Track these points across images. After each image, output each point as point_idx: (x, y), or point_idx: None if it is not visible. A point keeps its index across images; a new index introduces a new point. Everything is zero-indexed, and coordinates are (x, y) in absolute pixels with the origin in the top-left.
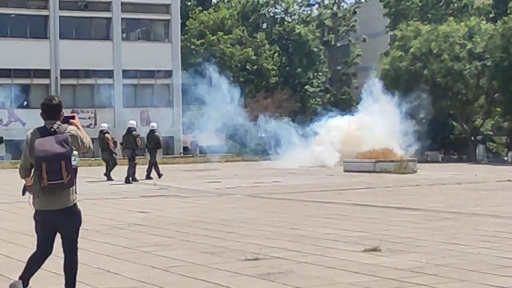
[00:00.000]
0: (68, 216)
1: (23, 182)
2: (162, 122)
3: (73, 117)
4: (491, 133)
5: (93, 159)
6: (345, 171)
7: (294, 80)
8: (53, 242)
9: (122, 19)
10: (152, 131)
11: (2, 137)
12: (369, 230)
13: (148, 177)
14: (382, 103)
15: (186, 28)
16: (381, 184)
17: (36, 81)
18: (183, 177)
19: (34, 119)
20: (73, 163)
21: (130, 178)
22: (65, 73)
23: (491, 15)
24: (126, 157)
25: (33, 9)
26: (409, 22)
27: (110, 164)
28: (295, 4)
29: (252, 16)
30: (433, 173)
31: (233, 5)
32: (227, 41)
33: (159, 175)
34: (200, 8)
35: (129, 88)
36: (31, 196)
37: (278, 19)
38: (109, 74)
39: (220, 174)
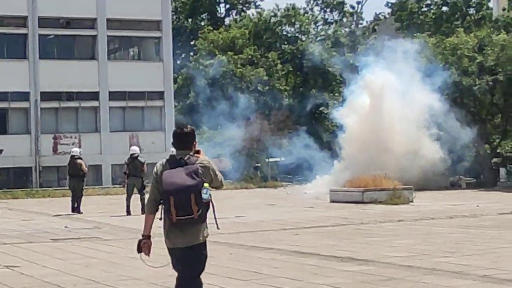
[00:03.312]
0: (191, 254)
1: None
2: (153, 147)
3: (198, 152)
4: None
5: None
6: (331, 201)
7: (309, 101)
8: None
9: (108, 36)
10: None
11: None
12: None
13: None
14: None
15: (195, 48)
16: (359, 219)
17: (14, 104)
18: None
19: (12, 145)
20: (204, 196)
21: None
22: (46, 96)
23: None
24: (122, 186)
25: (10, 27)
26: (415, 35)
27: (78, 193)
28: (312, 23)
29: (265, 35)
30: (430, 203)
31: (245, 23)
32: (238, 61)
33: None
34: (210, 27)
35: (116, 111)
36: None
37: (292, 38)
38: (94, 96)
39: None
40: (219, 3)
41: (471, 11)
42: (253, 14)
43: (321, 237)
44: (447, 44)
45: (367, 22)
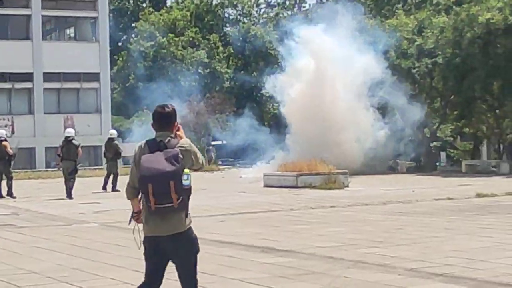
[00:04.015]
0: (179, 243)
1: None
2: (89, 129)
3: (177, 129)
4: (451, 138)
5: None
6: (265, 185)
7: (250, 84)
8: (162, 273)
9: (43, 16)
10: (110, 139)
11: None
12: None
13: (115, 188)
14: None
15: (136, 29)
16: (290, 205)
17: None
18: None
19: None
20: (185, 183)
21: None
22: None
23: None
24: (60, 169)
25: None
26: (354, 17)
27: (8, 178)
28: (254, 5)
29: (206, 17)
30: (365, 188)
31: (186, 5)
32: (178, 43)
33: (114, 188)
34: (151, 9)
35: (51, 93)
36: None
37: (234, 20)
38: (28, 77)
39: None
40: None
41: None
42: None
43: (246, 225)
44: (386, 26)
45: (309, 5)
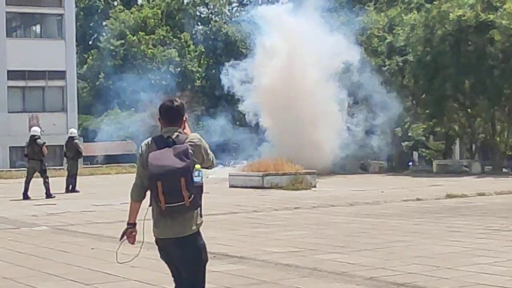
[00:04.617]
0: (184, 249)
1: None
2: (55, 129)
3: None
4: (423, 138)
5: None
6: (230, 186)
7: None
8: None
9: (7, 12)
10: (71, 138)
11: None
12: None
13: (74, 189)
14: None
15: (106, 28)
16: (253, 207)
17: None
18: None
19: None
20: (196, 180)
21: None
22: None
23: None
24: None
25: None
26: (324, 14)
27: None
28: (226, 4)
29: (177, 16)
30: (333, 189)
31: (157, 3)
32: (149, 41)
33: (73, 189)
34: (121, 7)
35: (15, 91)
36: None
37: (206, 19)
38: None
39: (88, 192)
40: None
41: None
42: None
43: (203, 228)
44: (356, 24)
45: (282, 4)
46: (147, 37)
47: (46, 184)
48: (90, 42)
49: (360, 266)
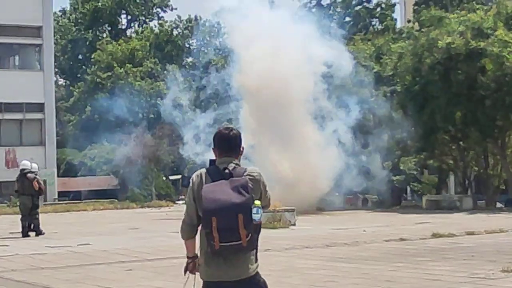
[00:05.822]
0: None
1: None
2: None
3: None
4: (415, 172)
5: None
6: None
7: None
8: None
9: None
10: (23, 172)
11: None
12: None
13: (38, 230)
14: None
15: (93, 60)
16: None
17: None
18: None
19: None
20: (255, 217)
21: (40, 231)
22: None
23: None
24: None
25: None
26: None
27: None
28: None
29: (166, 48)
30: (312, 228)
31: (145, 35)
32: (137, 74)
33: (37, 230)
34: (109, 39)
35: None
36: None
37: (195, 50)
38: None
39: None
40: (120, 14)
41: (374, 22)
42: (155, 26)
43: (156, 275)
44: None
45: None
46: (134, 69)
47: (35, 220)
48: (79, 75)
49: None
